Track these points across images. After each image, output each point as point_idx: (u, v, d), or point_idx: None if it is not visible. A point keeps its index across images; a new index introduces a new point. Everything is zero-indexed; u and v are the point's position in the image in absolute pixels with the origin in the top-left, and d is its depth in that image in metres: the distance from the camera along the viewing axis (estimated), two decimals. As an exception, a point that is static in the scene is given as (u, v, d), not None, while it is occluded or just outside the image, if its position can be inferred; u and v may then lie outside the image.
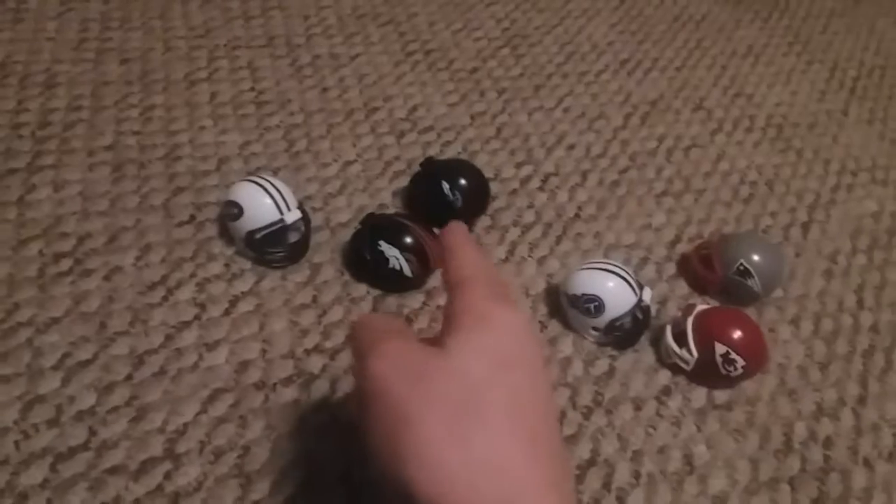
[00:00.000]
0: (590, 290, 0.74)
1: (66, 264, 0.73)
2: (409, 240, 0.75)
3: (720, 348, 0.71)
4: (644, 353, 0.77)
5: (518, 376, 0.39)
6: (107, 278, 0.72)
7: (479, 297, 0.41)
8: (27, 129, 0.85)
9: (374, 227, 0.77)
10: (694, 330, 0.73)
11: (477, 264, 0.43)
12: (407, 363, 0.39)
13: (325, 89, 1.01)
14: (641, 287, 0.75)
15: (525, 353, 0.39)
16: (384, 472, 0.36)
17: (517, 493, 0.34)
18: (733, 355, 0.71)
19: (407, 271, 0.75)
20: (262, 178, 0.76)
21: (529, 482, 0.35)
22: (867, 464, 0.73)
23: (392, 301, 0.77)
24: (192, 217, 0.80)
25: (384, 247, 0.74)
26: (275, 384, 0.67)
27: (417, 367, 0.39)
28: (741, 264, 0.80)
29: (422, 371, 0.38)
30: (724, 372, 0.72)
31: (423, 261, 0.75)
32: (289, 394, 0.67)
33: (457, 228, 0.45)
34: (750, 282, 0.80)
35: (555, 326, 0.78)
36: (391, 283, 0.77)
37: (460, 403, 0.37)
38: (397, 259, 0.74)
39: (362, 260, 0.76)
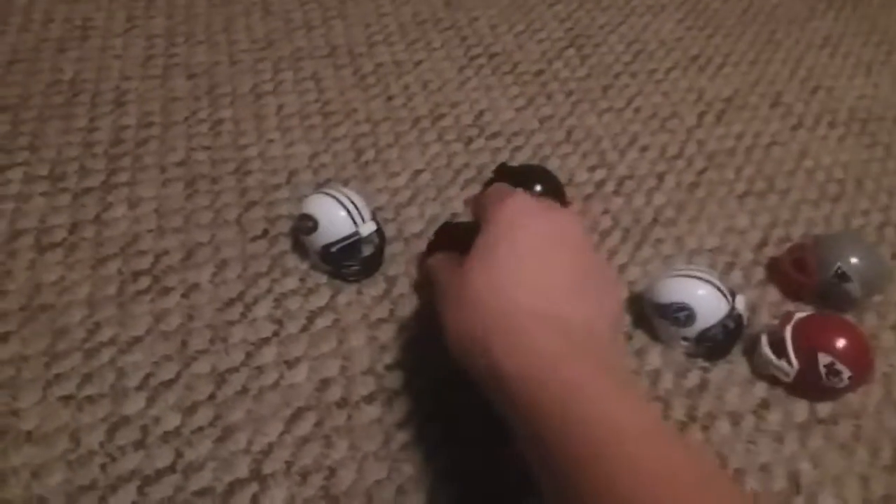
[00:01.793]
0: (679, 299, 0.70)
1: (144, 282, 0.72)
2: None
3: (824, 358, 0.67)
4: (738, 364, 0.74)
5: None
6: (185, 295, 0.72)
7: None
8: (100, 147, 0.86)
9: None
10: (794, 339, 0.69)
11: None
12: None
13: (389, 98, 1.00)
14: (734, 295, 0.72)
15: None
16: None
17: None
18: (839, 365, 0.67)
19: None
20: (337, 191, 0.74)
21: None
22: None
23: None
24: (266, 231, 0.79)
25: None
26: (357, 402, 0.66)
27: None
28: (839, 267, 0.75)
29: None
30: (828, 383, 0.68)
31: None
32: (372, 412, 0.65)
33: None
34: (849, 286, 0.75)
35: (641, 337, 0.75)
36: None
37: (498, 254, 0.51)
38: None
39: None
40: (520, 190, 0.57)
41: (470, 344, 0.48)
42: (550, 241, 0.52)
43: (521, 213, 0.53)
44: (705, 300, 0.70)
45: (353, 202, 0.74)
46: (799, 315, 0.71)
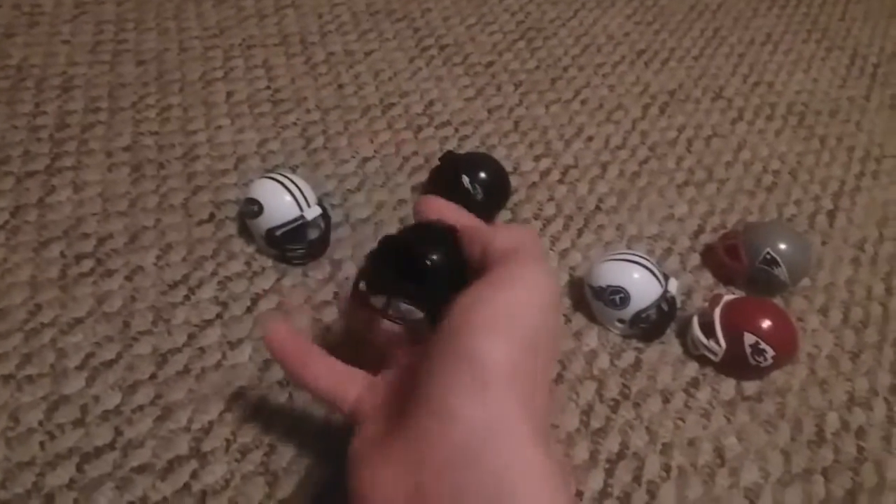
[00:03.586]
0: (615, 282, 0.73)
1: (87, 265, 0.73)
2: None
3: (749, 338, 0.70)
4: (670, 344, 0.76)
5: None
6: (128, 278, 0.72)
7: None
8: (45, 131, 0.85)
9: None
10: (722, 320, 0.72)
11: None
12: None
13: (340, 86, 1.01)
14: (667, 278, 0.74)
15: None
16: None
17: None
18: (763, 345, 0.70)
19: None
20: (282, 175, 0.75)
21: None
22: (902, 453, 0.71)
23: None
24: (212, 215, 0.80)
25: None
26: (299, 381, 0.67)
27: None
28: (768, 253, 0.79)
29: None
30: (753, 362, 0.71)
31: None
32: (313, 391, 0.66)
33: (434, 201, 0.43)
34: (777, 271, 0.79)
35: (579, 319, 0.77)
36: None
37: None
38: None
39: None
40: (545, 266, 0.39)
41: None
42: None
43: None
44: (640, 283, 0.73)
45: (298, 187, 0.75)
46: (727, 298, 0.74)
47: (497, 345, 0.33)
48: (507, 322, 0.34)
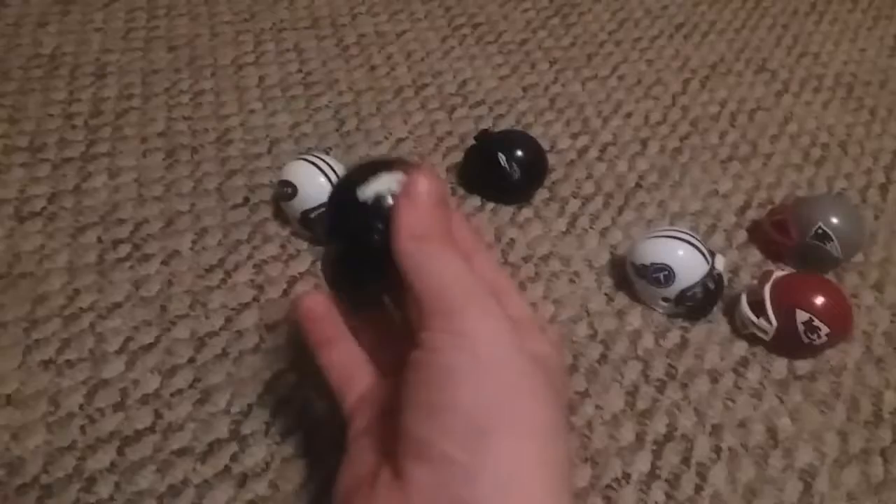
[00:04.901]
0: (659, 259, 0.70)
1: (124, 250, 0.72)
2: None
3: (802, 315, 0.67)
4: (718, 323, 0.74)
5: None
6: (165, 262, 0.72)
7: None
8: (80, 118, 0.86)
9: None
10: (772, 297, 0.69)
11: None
12: None
13: (372, 67, 0.99)
14: (713, 255, 0.72)
15: None
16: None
17: None
18: (816, 322, 0.67)
19: None
20: (316, 157, 0.74)
21: None
22: (964, 434, 0.68)
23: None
24: (247, 199, 0.79)
25: None
26: (337, 364, 0.66)
27: None
28: (819, 227, 0.75)
29: None
30: (806, 340, 0.68)
31: None
32: (351, 373, 0.65)
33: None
34: (829, 246, 0.76)
35: (622, 299, 0.75)
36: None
37: None
38: None
39: None
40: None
41: None
42: None
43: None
44: (684, 260, 0.70)
45: (332, 168, 0.74)
46: (778, 274, 0.71)
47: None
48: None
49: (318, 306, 0.45)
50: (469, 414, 0.32)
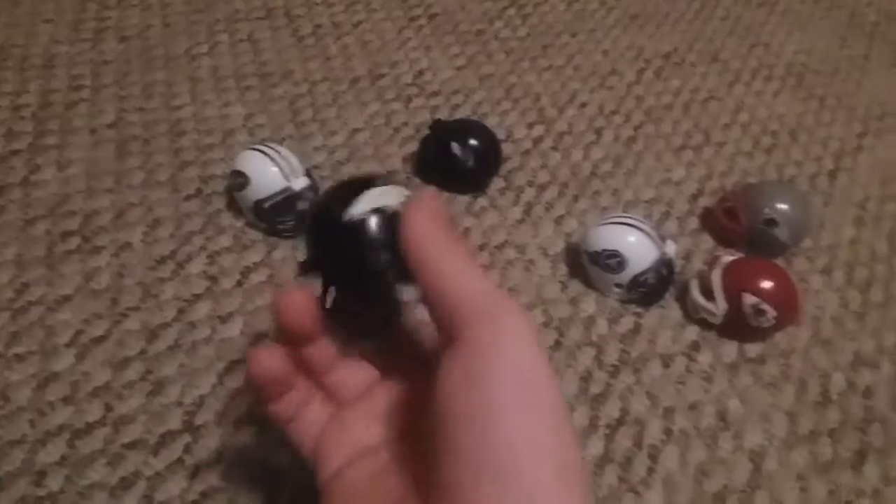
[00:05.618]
0: (610, 246, 0.71)
1: (74, 242, 0.71)
2: None
3: (749, 299, 0.68)
4: (670, 308, 0.75)
5: None
6: (116, 255, 0.71)
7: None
8: (28, 110, 0.84)
9: None
10: (721, 281, 0.71)
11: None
12: None
13: (328, 58, 0.99)
14: (664, 240, 0.73)
15: None
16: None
17: None
18: (764, 305, 0.68)
19: None
20: (268, 147, 0.74)
21: None
22: (909, 412, 0.70)
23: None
24: (199, 190, 0.78)
25: None
26: (291, 354, 0.65)
27: None
28: (767, 213, 0.77)
29: None
30: (754, 324, 0.69)
31: None
32: (306, 363, 0.65)
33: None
34: (777, 231, 0.77)
35: (576, 286, 0.75)
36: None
37: None
38: None
39: None
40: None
41: None
42: None
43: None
44: (635, 246, 0.71)
45: (284, 158, 0.73)
46: (726, 259, 0.72)
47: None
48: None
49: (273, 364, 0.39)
50: (515, 450, 0.28)
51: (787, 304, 0.69)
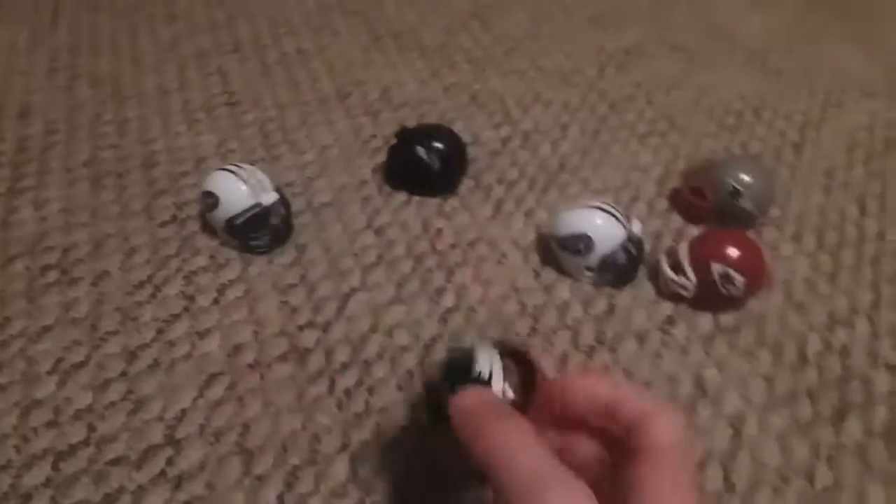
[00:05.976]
0: (577, 229, 0.72)
1: (52, 275, 0.73)
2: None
3: (717, 268, 0.69)
4: (643, 288, 0.76)
5: None
6: (94, 284, 0.72)
7: (677, 482, 0.35)
8: (5, 157, 0.86)
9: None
10: (689, 255, 0.71)
11: (681, 429, 0.37)
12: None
13: (296, 83, 1.01)
14: (630, 220, 0.74)
15: None
16: None
17: None
18: (731, 273, 0.69)
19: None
20: (235, 166, 0.76)
21: None
22: (889, 367, 0.70)
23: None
24: (174, 217, 0.80)
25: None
26: (269, 363, 0.67)
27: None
28: (731, 186, 0.78)
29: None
30: (724, 292, 0.70)
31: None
32: (284, 370, 0.66)
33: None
34: (743, 202, 0.78)
35: (549, 274, 0.76)
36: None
37: None
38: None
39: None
40: None
41: None
42: None
43: None
44: (602, 228, 0.72)
45: (252, 175, 0.75)
46: (693, 232, 0.74)
47: None
48: None
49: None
50: None
51: (755, 269, 0.70)
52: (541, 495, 0.32)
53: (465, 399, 0.40)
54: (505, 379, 0.42)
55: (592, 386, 0.40)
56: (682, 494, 0.35)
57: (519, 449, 0.35)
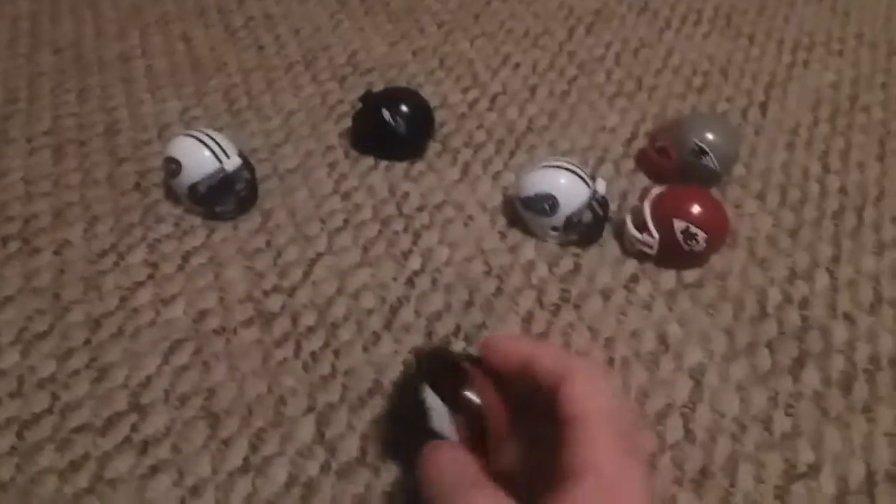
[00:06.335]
0: (542, 189, 0.72)
1: (13, 246, 0.72)
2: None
3: (679, 224, 0.70)
4: (608, 246, 0.76)
5: None
6: (56, 253, 0.72)
7: (602, 451, 0.35)
8: (-36, 127, 0.85)
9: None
10: (651, 212, 0.72)
11: (599, 390, 0.38)
12: None
13: (261, 47, 1.00)
14: (594, 179, 0.74)
15: None
16: None
17: None
18: (693, 229, 0.69)
19: None
20: (198, 131, 0.75)
21: None
22: (848, 318, 0.71)
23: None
24: (138, 184, 0.79)
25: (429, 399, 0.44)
26: (235, 328, 0.67)
27: None
28: (695, 144, 0.78)
29: None
30: (686, 248, 0.71)
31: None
32: (250, 335, 0.66)
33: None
34: (706, 160, 0.78)
35: (515, 235, 0.77)
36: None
37: None
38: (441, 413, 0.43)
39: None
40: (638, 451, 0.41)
41: None
42: None
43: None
44: (566, 187, 0.72)
45: (215, 140, 0.74)
46: (656, 190, 0.74)
47: None
48: None
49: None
50: None
51: (716, 225, 0.71)
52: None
53: (433, 457, 0.40)
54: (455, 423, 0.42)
55: (509, 344, 0.42)
56: (612, 463, 0.35)
57: None
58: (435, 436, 0.42)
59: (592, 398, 0.37)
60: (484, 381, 0.43)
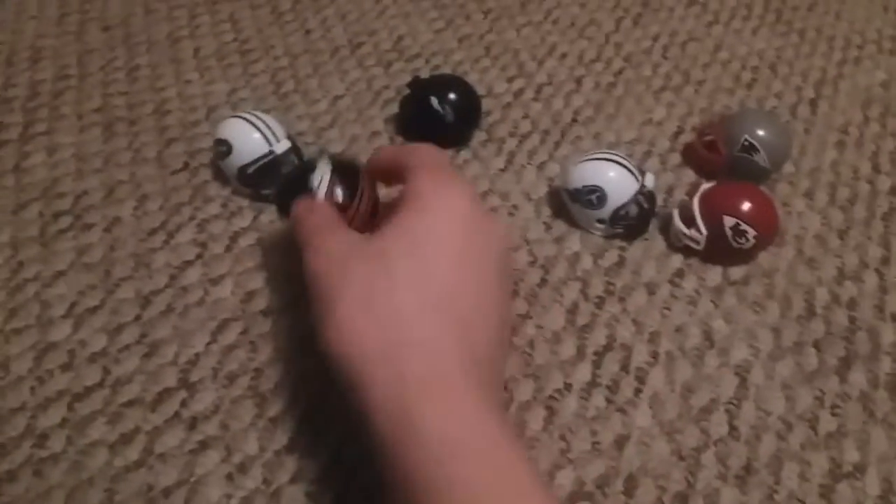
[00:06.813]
0: (590, 182, 0.72)
1: (66, 221, 0.73)
2: None
3: (729, 221, 0.69)
4: (654, 241, 0.76)
5: (432, 252, 0.45)
6: (107, 230, 0.73)
7: (422, 181, 0.49)
8: (17, 102, 0.86)
9: None
10: (700, 207, 0.71)
11: (427, 153, 0.53)
12: (334, 253, 0.47)
13: (307, 31, 1.00)
14: (643, 173, 0.74)
15: (454, 233, 0.46)
16: (321, 350, 0.44)
17: (414, 343, 0.42)
18: (743, 226, 0.69)
19: None
20: (248, 113, 0.75)
21: (430, 341, 0.42)
22: (896, 320, 0.70)
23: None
24: (186, 164, 0.80)
25: (321, 166, 0.60)
26: (282, 308, 0.67)
27: (342, 255, 0.47)
28: (746, 140, 0.77)
29: (345, 257, 0.46)
30: (735, 245, 0.70)
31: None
32: (295, 315, 0.67)
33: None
34: (757, 157, 0.77)
35: (560, 226, 0.76)
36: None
37: (372, 276, 0.44)
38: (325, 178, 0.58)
39: None
40: (459, 181, 0.50)
41: (372, 350, 0.42)
42: (480, 254, 0.47)
43: (464, 215, 0.47)
44: (615, 180, 0.72)
45: (265, 122, 0.75)
46: (705, 186, 0.73)
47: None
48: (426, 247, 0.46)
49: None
50: None
51: (766, 223, 0.70)
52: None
53: (297, 209, 0.55)
54: (335, 184, 0.56)
55: (385, 150, 0.59)
56: (429, 187, 0.48)
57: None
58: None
59: (435, 155, 0.54)
60: (369, 180, 0.58)
